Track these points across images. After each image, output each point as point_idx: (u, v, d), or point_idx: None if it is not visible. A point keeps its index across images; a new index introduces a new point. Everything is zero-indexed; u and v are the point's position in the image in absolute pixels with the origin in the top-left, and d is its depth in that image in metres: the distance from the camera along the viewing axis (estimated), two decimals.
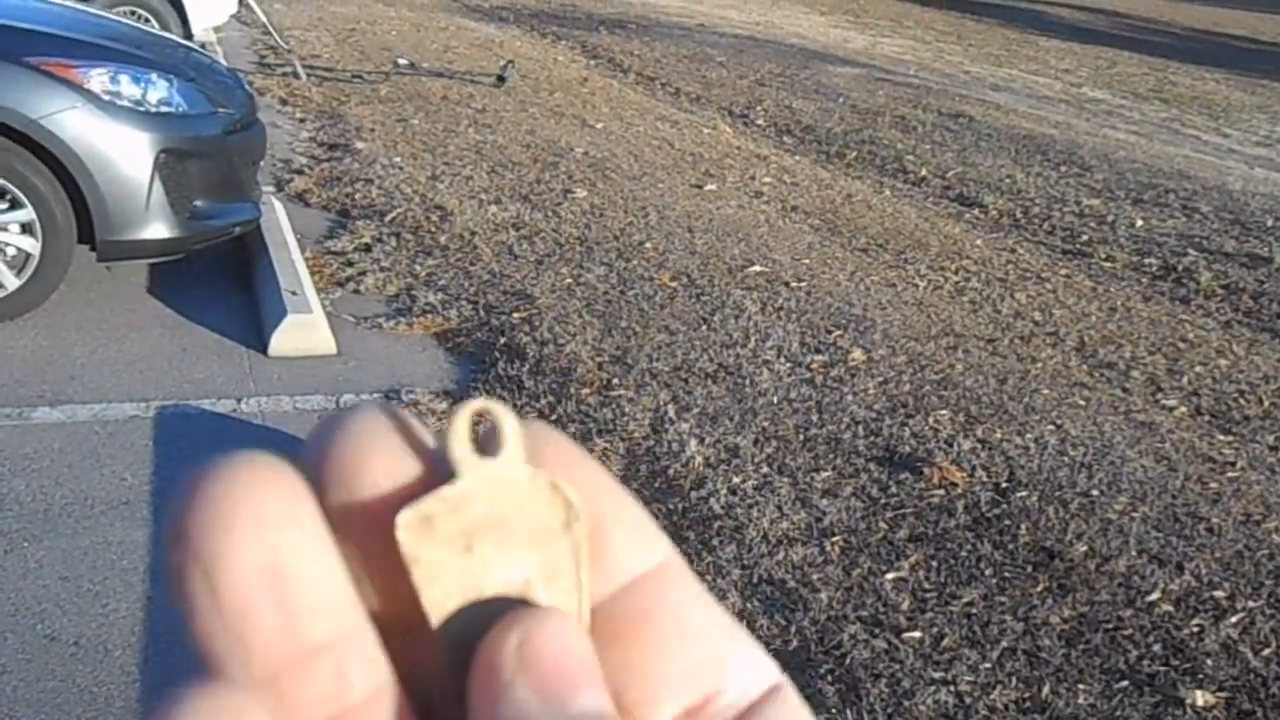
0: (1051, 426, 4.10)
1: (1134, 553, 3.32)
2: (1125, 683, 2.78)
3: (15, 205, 3.97)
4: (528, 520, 0.25)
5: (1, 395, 3.62)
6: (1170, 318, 5.62)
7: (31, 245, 4.01)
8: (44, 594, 2.70)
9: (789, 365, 4.36)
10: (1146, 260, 6.54)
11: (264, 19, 9.08)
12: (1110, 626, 2.98)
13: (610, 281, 5.03)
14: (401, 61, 9.75)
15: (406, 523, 0.24)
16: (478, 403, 0.25)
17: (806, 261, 5.68)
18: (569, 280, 5.00)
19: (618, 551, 0.25)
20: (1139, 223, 7.31)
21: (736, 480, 3.49)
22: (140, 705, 2.40)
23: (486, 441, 0.25)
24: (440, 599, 0.24)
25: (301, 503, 0.23)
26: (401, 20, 12.32)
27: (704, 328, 4.63)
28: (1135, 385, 4.66)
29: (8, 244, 4.01)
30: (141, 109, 4.12)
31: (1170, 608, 3.09)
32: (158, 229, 4.13)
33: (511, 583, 0.25)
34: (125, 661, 2.52)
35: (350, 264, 4.99)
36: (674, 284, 5.09)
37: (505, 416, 0.25)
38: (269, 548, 0.22)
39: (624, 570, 0.26)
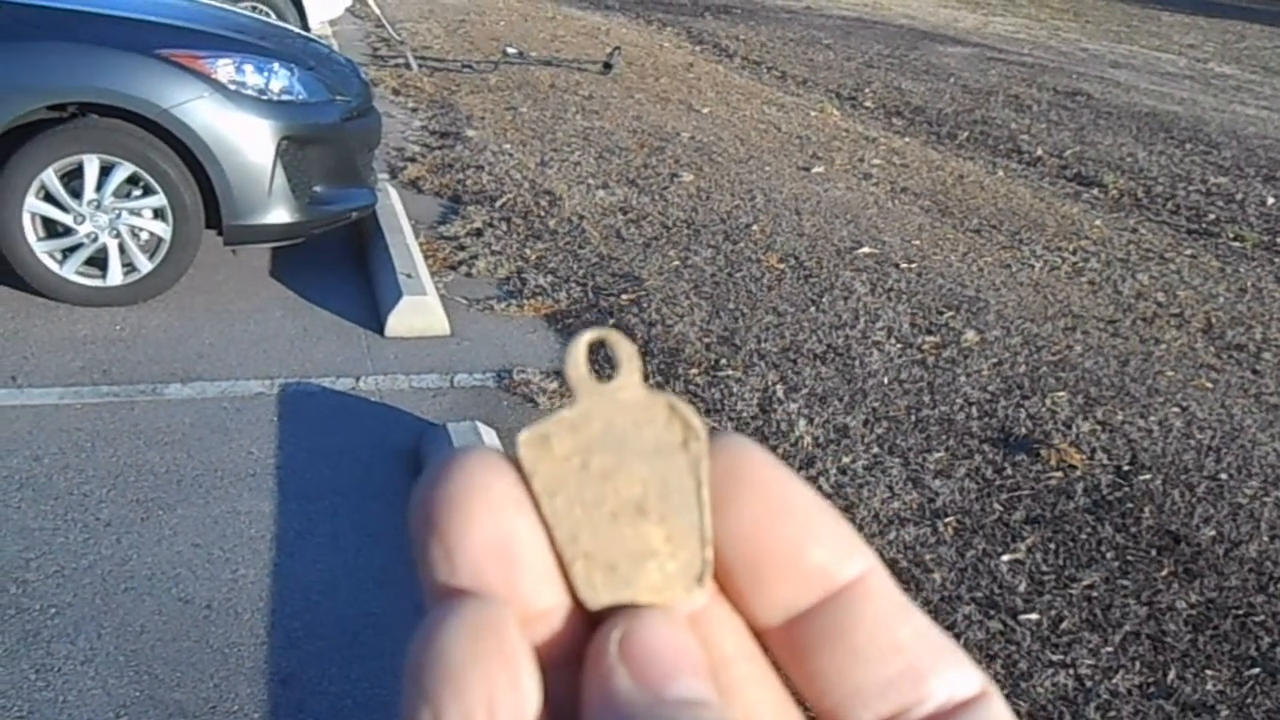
0: (1177, 409, 3.96)
1: (1266, 538, 3.19)
2: (1256, 670, 2.68)
3: (148, 191, 4.15)
4: (644, 439, 0.25)
5: (137, 372, 3.79)
6: None
7: (163, 230, 4.19)
8: (178, 559, 2.83)
9: (900, 346, 4.30)
10: (1278, 239, 6.25)
11: (377, 11, 9.30)
12: (1240, 613, 2.87)
13: (717, 264, 5.02)
14: (510, 51, 9.87)
15: (526, 440, 0.25)
16: (594, 332, 0.26)
17: (917, 243, 5.58)
18: (676, 262, 5.00)
19: (817, 563, 0.26)
20: (1270, 201, 6.99)
21: (846, 460, 3.46)
22: (267, 665, 2.50)
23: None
24: (560, 511, 0.25)
25: (522, 493, 0.25)
26: (509, 10, 12.46)
27: (812, 309, 4.59)
28: (1267, 367, 4.47)
29: (141, 229, 4.19)
30: (265, 97, 4.26)
31: None
32: (280, 214, 4.27)
33: (628, 496, 0.25)
34: (255, 624, 2.62)
35: (462, 248, 5.08)
36: (781, 266, 5.06)
37: (621, 343, 0.25)
38: (499, 528, 0.25)
39: (824, 581, 0.26)
